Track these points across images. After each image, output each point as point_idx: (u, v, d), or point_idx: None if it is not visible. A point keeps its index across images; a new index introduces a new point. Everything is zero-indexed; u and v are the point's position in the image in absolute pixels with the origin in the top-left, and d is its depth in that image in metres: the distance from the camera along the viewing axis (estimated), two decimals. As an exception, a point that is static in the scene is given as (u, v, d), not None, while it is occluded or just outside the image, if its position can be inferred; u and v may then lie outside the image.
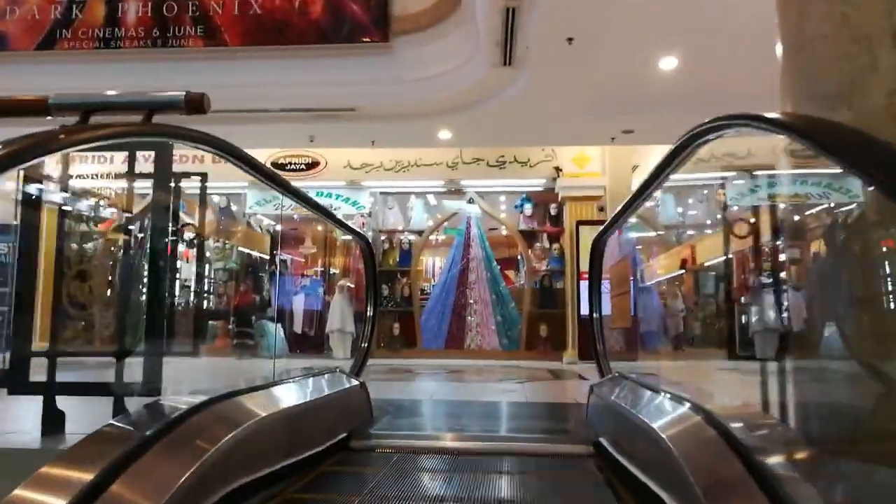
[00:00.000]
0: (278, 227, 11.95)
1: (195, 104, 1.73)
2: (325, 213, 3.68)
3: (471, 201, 10.88)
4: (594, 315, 3.96)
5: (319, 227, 11.63)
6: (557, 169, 10.30)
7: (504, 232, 11.14)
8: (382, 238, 11.09)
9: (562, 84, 7.24)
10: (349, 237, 10.90)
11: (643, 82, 7.51)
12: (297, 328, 12.85)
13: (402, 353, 10.53)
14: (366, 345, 3.82)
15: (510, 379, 6.73)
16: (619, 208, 3.52)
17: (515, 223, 11.18)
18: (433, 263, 12.98)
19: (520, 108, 7.96)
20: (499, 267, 11.02)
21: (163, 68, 8.09)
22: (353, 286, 10.41)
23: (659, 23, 6.31)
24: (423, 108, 8.19)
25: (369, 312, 4.01)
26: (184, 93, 1.71)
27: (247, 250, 10.99)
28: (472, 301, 10.66)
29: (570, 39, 6.08)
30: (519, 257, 12.45)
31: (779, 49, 2.77)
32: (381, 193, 11.08)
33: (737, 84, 7.75)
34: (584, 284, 9.78)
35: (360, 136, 9.24)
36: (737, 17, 6.16)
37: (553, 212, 10.73)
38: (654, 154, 12.38)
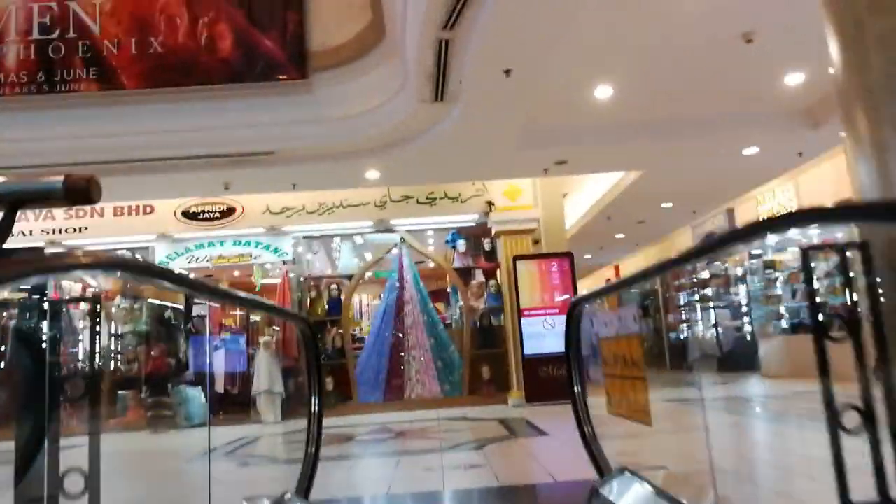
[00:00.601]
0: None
1: (79, 192, 1.13)
2: (260, 306, 3.06)
3: (402, 241, 10.33)
4: (576, 389, 3.47)
5: (236, 273, 10.79)
6: (489, 203, 9.93)
7: (431, 265, 10.61)
8: (309, 285, 10.35)
9: (496, 117, 6.87)
10: (272, 261, 10.18)
11: (578, 112, 7.27)
12: (220, 387, 11.89)
13: (337, 409, 9.76)
14: (313, 450, 3.17)
15: (464, 444, 6.17)
16: (616, 281, 3.06)
17: (449, 260, 10.72)
18: (365, 309, 12.34)
19: (451, 143, 7.54)
20: (434, 308, 10.48)
21: (51, 117, 7.21)
22: (277, 339, 9.60)
23: (599, 50, 6.06)
24: (347, 148, 7.65)
25: (313, 408, 3.37)
26: (62, 178, 1.11)
27: (159, 308, 9.99)
28: (409, 347, 10.06)
29: (507, 71, 5.70)
30: (450, 290, 12.00)
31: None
32: (305, 238, 10.38)
33: (669, 110, 7.65)
34: (526, 322, 9.45)
35: (280, 181, 8.57)
36: (677, 41, 5.97)
37: (487, 247, 10.34)
38: (583, 181, 12.26)
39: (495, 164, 8.61)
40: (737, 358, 15.26)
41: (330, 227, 10.30)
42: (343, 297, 10.27)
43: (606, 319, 3.21)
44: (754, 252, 14.39)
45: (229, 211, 9.88)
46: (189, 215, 9.88)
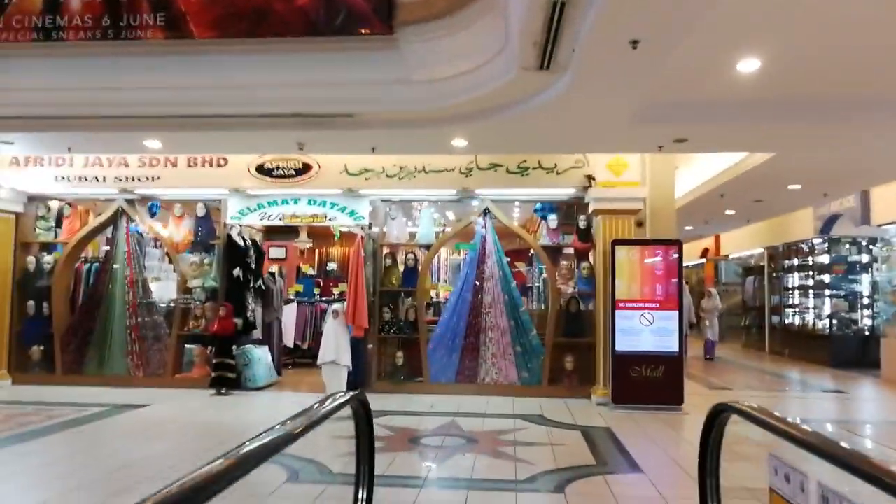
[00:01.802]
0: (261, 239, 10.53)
1: None
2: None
3: (487, 212, 9.40)
4: None
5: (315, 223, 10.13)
6: (589, 177, 8.80)
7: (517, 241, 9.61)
8: (385, 253, 9.64)
9: (612, 91, 5.73)
10: (347, 228, 9.53)
11: (713, 87, 6.02)
12: (290, 341, 11.56)
13: (406, 386, 9.18)
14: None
15: (541, 476, 5.37)
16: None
17: (536, 234, 9.75)
18: (442, 282, 11.63)
19: (553, 115, 6.47)
20: (517, 288, 9.58)
21: (115, 65, 6.59)
22: (347, 308, 8.98)
23: (748, 19, 4.80)
24: (434, 115, 6.70)
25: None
26: None
27: (229, 264, 9.54)
28: (487, 327, 9.26)
29: (634, 42, 4.56)
30: (531, 254, 11.07)
31: None
32: (383, 202, 9.60)
33: (819, 88, 6.26)
34: (620, 314, 8.43)
35: (358, 144, 7.76)
36: (838, 10, 4.65)
37: (582, 225, 9.26)
38: (696, 155, 10.86)
39: (602, 139, 7.47)
40: (850, 355, 13.72)
41: (410, 193, 9.47)
42: (420, 268, 9.52)
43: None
44: (890, 239, 12.64)
45: (305, 168, 9.18)
46: (263, 170, 9.25)
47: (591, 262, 9.20)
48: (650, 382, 8.28)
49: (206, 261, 9.65)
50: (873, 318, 14.48)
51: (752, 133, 7.20)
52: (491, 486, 4.97)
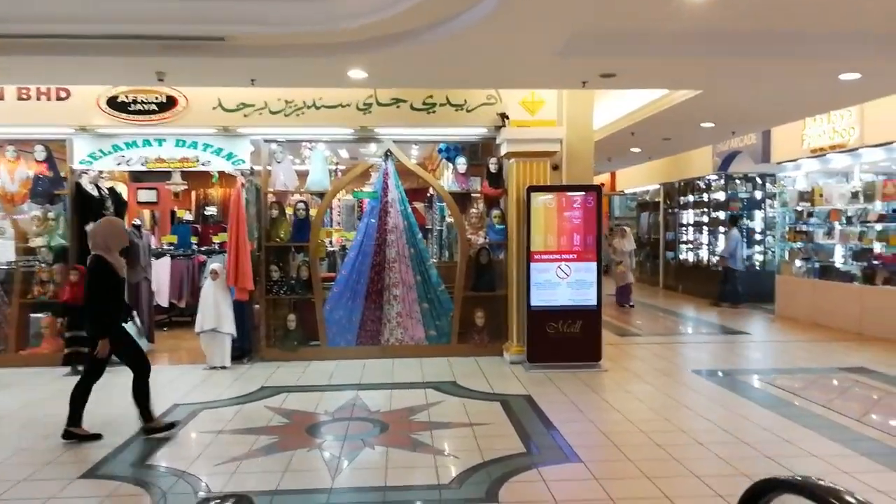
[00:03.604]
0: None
1: None
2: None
3: (389, 154, 8.32)
4: None
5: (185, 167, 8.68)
6: (502, 115, 7.89)
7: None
8: (271, 202, 8.39)
9: (545, 15, 4.77)
10: (226, 170, 8.20)
11: (657, 15, 5.16)
12: (164, 300, 10.17)
13: (300, 353, 8.16)
14: None
15: (470, 473, 4.62)
16: None
17: (436, 174, 8.83)
18: (336, 225, 10.51)
19: (472, 43, 5.45)
20: (423, 238, 8.67)
21: None
22: (227, 267, 7.76)
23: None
24: (328, 40, 5.51)
25: None
26: None
27: (80, 217, 7.98)
28: (391, 284, 8.33)
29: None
30: (430, 193, 10.18)
31: None
32: (267, 142, 8.27)
33: (767, 21, 5.58)
34: (536, 267, 7.73)
35: (232, 75, 6.43)
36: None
37: (493, 168, 8.38)
38: (610, 92, 10.16)
39: (524, 73, 6.53)
40: (744, 292, 13.96)
41: (299, 132, 8.18)
42: (312, 219, 8.36)
43: None
44: (784, 177, 12.70)
45: (170, 102, 7.67)
46: (116, 105, 7.66)
47: (503, 210, 8.40)
48: (567, 339, 7.71)
49: (50, 215, 8.01)
50: (764, 253, 14.80)
51: (683, 69, 6.49)
52: (411, 497, 4.15)
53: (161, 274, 10.10)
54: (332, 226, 11.29)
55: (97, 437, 5.18)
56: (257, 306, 8.26)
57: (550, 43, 5.41)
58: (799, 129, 11.31)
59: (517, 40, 5.34)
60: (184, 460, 4.76)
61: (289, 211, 8.55)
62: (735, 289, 13.44)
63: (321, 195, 8.45)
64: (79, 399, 5.17)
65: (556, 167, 8.15)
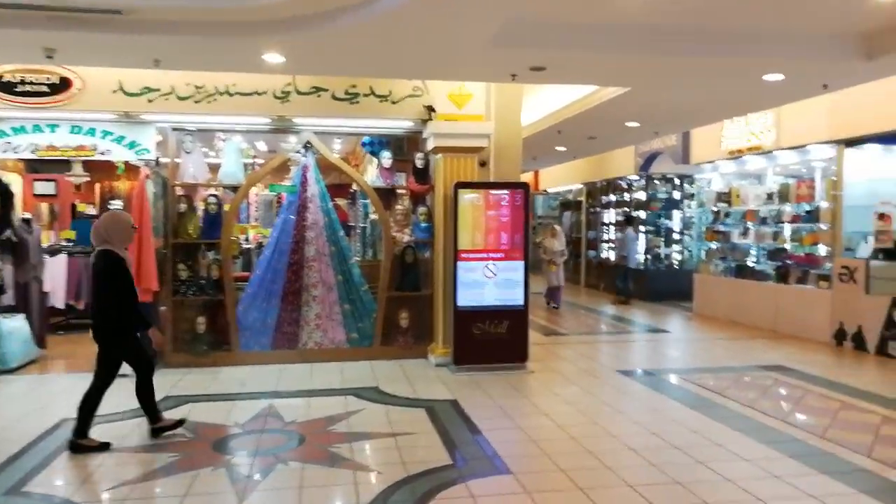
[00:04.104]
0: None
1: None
2: None
3: (308, 146, 7.86)
4: None
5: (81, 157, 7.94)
6: (429, 108, 7.57)
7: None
8: (179, 196, 7.77)
9: (476, 1, 4.48)
10: (129, 160, 7.55)
11: (593, 5, 4.98)
12: (59, 301, 9.32)
13: (210, 358, 7.59)
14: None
15: (391, 492, 4.29)
16: None
17: (360, 170, 8.44)
18: (254, 220, 9.93)
19: (398, 29, 5.11)
20: (345, 236, 8.25)
21: None
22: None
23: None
24: (240, 18, 5.04)
25: None
26: None
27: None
28: (310, 284, 7.87)
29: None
30: (353, 189, 9.77)
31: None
32: (175, 131, 7.66)
33: (701, 16, 5.51)
34: (463, 266, 7.47)
35: (133, 54, 5.85)
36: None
37: (419, 164, 8.05)
38: (538, 89, 10.01)
39: (452, 63, 6.25)
40: (662, 289, 14.22)
41: (210, 121, 7.60)
42: (224, 214, 7.80)
43: None
44: (702, 178, 12.97)
45: (63, 84, 6.96)
46: (1, 85, 6.88)
47: (430, 207, 8.09)
48: (494, 340, 7.49)
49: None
50: (682, 252, 15.13)
51: (612, 64, 6.36)
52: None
53: (57, 273, 9.24)
54: (249, 222, 10.69)
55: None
56: (163, 308, 7.63)
57: (482, 30, 5.14)
58: (718, 132, 11.53)
59: (446, 26, 5.04)
60: (68, 486, 4.21)
61: (199, 205, 7.94)
62: (626, 285, 13.93)
63: (235, 189, 7.89)
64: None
65: (483, 163, 7.90)
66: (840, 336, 8.92)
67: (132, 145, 7.38)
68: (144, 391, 5.05)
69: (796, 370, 7.55)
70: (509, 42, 5.40)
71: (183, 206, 7.68)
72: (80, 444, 4.77)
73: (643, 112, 9.12)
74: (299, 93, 7.35)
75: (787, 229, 10.61)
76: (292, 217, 7.82)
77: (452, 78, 7.25)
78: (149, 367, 5.09)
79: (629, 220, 14.71)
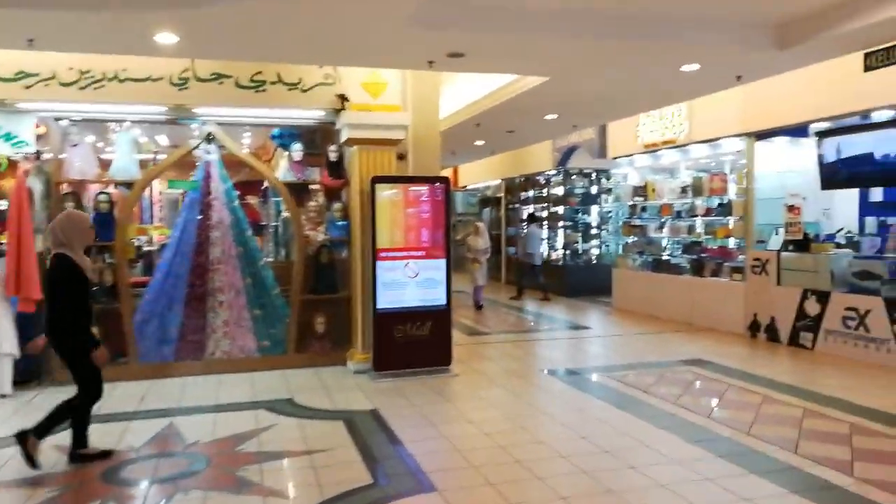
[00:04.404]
0: None
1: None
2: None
3: (210, 138, 7.27)
4: None
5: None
6: (342, 97, 7.13)
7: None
8: (65, 192, 7.01)
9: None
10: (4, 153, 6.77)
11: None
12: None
13: (105, 372, 6.86)
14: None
15: None
16: None
17: (271, 166, 7.91)
18: (159, 221, 9.20)
19: (303, 3, 4.67)
20: (254, 235, 7.70)
21: None
22: (7, 272, 6.36)
23: None
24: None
25: None
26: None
27: None
28: (216, 288, 7.29)
29: None
30: (265, 186, 9.23)
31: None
32: (58, 121, 6.89)
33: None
34: (382, 266, 7.09)
35: (5, 31, 5.11)
36: None
37: (333, 157, 7.60)
38: (455, 78, 9.73)
39: (366, 45, 5.84)
40: (582, 285, 14.29)
41: (99, 109, 6.86)
42: (118, 213, 7.10)
43: None
44: (618, 173, 13.07)
45: (-80, 66, 6.11)
46: None
47: (346, 203, 7.66)
48: (416, 343, 7.16)
49: None
50: (601, 247, 15.27)
51: (533, 50, 6.12)
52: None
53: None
54: (153, 222, 9.92)
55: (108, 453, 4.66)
56: (49, 318, 6.86)
57: (396, 8, 4.77)
58: (633, 126, 11.60)
59: (355, 3, 4.63)
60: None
61: (90, 204, 7.20)
62: (536, 281, 13.97)
63: (130, 185, 7.19)
64: (80, 424, 4.61)
65: (401, 157, 7.54)
66: (754, 328, 9.09)
67: (8, 137, 6.58)
68: (82, 414, 4.63)
69: (715, 363, 7.59)
70: (426, 22, 5.05)
71: (70, 206, 6.88)
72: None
73: (562, 103, 8.98)
74: (199, 79, 6.75)
75: (701, 223, 10.78)
76: (194, 216, 7.21)
77: (366, 64, 6.84)
78: (98, 391, 4.66)
79: (533, 217, 14.74)
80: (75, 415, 4.60)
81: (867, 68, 6.81)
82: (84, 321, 4.47)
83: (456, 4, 4.95)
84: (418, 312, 7.19)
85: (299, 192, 7.76)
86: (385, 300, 7.09)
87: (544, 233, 15.35)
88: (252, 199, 10.74)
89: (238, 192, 7.58)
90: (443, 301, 7.27)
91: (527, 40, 5.69)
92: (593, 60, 6.56)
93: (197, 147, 7.25)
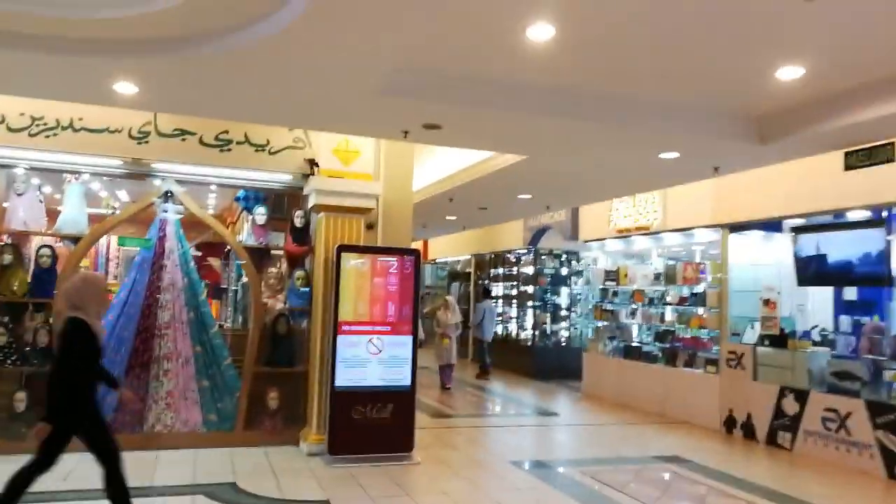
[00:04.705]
0: None
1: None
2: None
3: (168, 195, 6.87)
4: None
5: None
6: (311, 162, 6.84)
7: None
8: (3, 244, 6.49)
9: (364, 32, 3.88)
10: None
11: (492, 56, 4.52)
12: None
13: (30, 442, 6.18)
14: None
15: None
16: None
17: (236, 229, 7.51)
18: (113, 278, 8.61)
19: (272, 62, 4.41)
20: (207, 300, 7.21)
21: None
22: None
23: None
24: (81, 33, 4.15)
25: None
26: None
27: None
28: (162, 355, 6.73)
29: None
30: (228, 248, 8.76)
31: None
32: (4, 168, 6.45)
33: (603, 83, 5.21)
34: (344, 340, 6.63)
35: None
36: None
37: (298, 223, 7.23)
38: (432, 151, 9.57)
39: (335, 112, 5.59)
40: (550, 366, 13.88)
41: (49, 159, 6.41)
42: (60, 269, 6.58)
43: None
44: (587, 255, 12.91)
45: None
46: None
47: (308, 271, 7.25)
48: (376, 426, 6.63)
49: None
50: (570, 329, 14.95)
51: (511, 126, 5.94)
52: None
53: None
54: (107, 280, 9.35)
55: None
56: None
57: (369, 73, 4.54)
58: (606, 210, 11.51)
59: (327, 66, 4.38)
60: None
61: (29, 258, 6.69)
62: (483, 359, 13.63)
63: (76, 240, 6.71)
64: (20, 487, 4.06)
65: (370, 226, 7.21)
66: (730, 423, 8.72)
67: (-54, 183, 6.11)
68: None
69: (693, 462, 7.15)
70: (399, 90, 4.82)
71: (7, 258, 6.39)
72: None
73: (537, 183, 8.82)
74: (161, 134, 6.41)
75: (673, 311, 10.55)
76: (144, 276, 6.72)
77: (337, 130, 6.59)
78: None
79: (486, 293, 14.52)
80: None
81: (848, 167, 6.74)
82: (88, 392, 4.19)
83: (431, 73, 4.73)
84: (380, 393, 6.69)
85: (261, 256, 7.34)
86: (344, 378, 6.60)
87: (498, 308, 15.06)
88: (214, 261, 10.29)
89: (200, 254, 7.15)
90: (407, 382, 6.81)
91: (505, 117, 5.50)
92: (571, 140, 6.40)
93: (152, 204, 6.83)
